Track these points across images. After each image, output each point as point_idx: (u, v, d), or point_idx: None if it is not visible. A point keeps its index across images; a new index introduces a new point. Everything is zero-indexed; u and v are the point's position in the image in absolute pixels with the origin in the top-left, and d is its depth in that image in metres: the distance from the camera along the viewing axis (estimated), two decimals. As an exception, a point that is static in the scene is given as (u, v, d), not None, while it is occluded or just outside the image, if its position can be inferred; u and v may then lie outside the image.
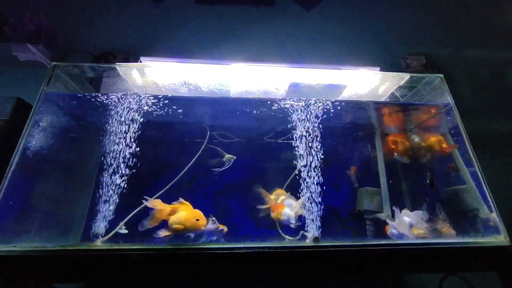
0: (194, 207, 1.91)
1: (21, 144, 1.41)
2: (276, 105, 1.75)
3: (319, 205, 1.55)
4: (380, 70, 2.22)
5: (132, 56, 2.64)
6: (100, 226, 1.40)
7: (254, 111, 1.81)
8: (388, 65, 2.84)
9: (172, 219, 1.33)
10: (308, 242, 1.40)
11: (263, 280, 1.52)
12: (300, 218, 1.52)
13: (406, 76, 1.89)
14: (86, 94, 1.67)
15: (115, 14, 2.99)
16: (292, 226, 1.51)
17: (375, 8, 3.18)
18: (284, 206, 1.56)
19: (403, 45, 3.03)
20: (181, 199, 1.40)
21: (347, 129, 2.03)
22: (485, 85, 2.90)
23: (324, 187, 1.58)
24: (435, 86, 1.90)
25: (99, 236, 1.36)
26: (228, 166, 1.84)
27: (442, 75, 1.88)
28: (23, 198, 1.45)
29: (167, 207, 1.36)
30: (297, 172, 1.63)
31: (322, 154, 1.64)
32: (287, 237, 1.58)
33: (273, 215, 1.57)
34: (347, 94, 1.96)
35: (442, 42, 3.11)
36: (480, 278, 1.48)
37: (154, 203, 1.35)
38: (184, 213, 1.34)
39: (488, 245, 1.43)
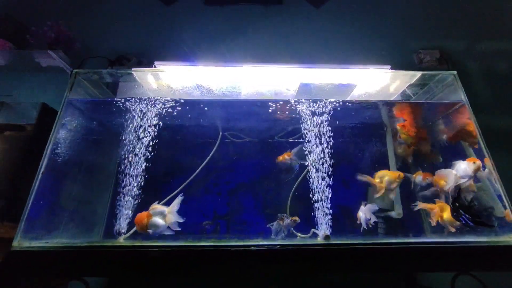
0: (208, 205, 2.00)
1: (49, 147, 1.51)
2: (287, 105, 1.78)
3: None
4: (392, 67, 2.18)
5: (145, 59, 2.73)
6: (121, 224, 1.50)
7: (265, 112, 1.85)
8: (401, 61, 2.80)
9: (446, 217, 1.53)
10: (319, 240, 1.44)
11: (274, 277, 1.57)
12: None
13: (417, 74, 1.87)
14: (106, 98, 1.75)
15: (128, 18, 3.08)
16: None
17: (386, 2, 3.12)
18: (151, 215, 1.40)
19: (415, 40, 2.96)
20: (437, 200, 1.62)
21: (357, 128, 2.03)
22: (503, 78, 2.80)
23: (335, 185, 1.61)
24: (448, 83, 1.87)
25: (121, 234, 1.46)
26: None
27: (455, 72, 1.84)
28: (51, 198, 1.56)
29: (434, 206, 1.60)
30: (306, 172, 1.66)
31: (332, 153, 1.67)
32: (299, 234, 1.62)
33: (137, 228, 1.40)
34: (357, 93, 1.96)
35: (457, 34, 3.01)
36: (494, 277, 1.47)
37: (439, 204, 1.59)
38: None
39: (502, 244, 1.42)
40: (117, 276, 1.41)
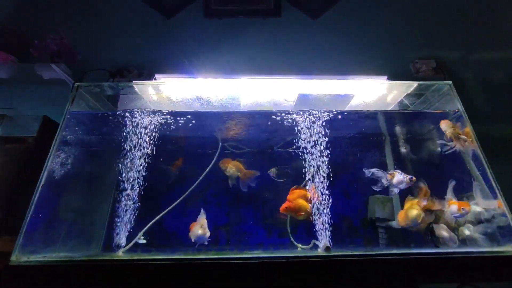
0: (208, 216, 1.99)
1: (49, 160, 1.51)
2: (286, 116, 1.80)
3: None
4: (389, 77, 2.22)
5: (146, 71, 2.76)
6: (120, 237, 1.49)
7: (264, 123, 1.87)
8: (398, 70, 2.83)
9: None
10: (320, 251, 1.43)
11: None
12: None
13: (413, 84, 1.90)
14: (108, 111, 1.77)
15: (129, 31, 3.12)
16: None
17: (382, 13, 3.19)
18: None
19: (412, 50, 3.01)
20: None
21: (356, 138, 2.04)
22: (499, 87, 2.84)
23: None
24: (444, 93, 1.90)
25: (120, 247, 1.45)
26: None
27: (450, 82, 1.87)
28: (51, 211, 1.56)
29: None
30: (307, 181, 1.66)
31: (331, 163, 1.68)
32: (299, 245, 1.60)
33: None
34: (355, 103, 1.99)
35: (453, 44, 3.06)
36: (497, 288, 1.45)
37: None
38: None
39: (505, 254, 1.41)
40: (115, 290, 1.40)
